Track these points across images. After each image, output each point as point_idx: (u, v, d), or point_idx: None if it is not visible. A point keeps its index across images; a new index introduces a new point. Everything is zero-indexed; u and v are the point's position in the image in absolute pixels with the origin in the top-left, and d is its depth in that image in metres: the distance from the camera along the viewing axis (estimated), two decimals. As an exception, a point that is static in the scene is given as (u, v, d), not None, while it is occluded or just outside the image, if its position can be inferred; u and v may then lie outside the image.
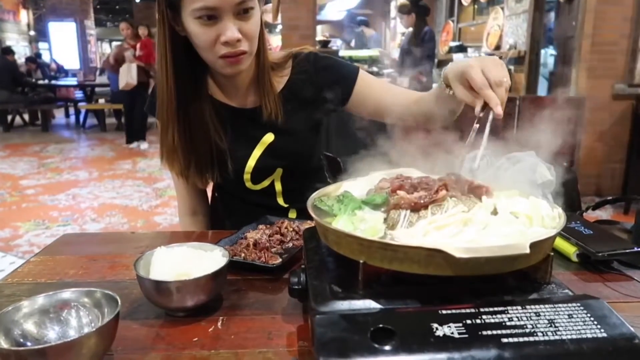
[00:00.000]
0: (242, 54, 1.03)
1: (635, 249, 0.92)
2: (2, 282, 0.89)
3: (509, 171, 1.45)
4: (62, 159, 6.35)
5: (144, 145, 6.99)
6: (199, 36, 1.01)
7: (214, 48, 1.02)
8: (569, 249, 0.95)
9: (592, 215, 1.26)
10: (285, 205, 1.28)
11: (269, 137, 1.20)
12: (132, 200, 4.45)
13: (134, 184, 5.01)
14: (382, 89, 1.22)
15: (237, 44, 1.01)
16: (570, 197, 1.56)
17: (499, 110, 0.78)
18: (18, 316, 0.64)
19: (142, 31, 6.94)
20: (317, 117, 1.24)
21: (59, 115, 10.32)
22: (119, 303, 0.65)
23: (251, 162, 1.20)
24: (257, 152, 1.20)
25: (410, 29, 5.30)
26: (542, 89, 5.71)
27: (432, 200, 0.68)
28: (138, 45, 6.60)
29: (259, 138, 1.20)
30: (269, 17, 5.18)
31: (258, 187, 1.24)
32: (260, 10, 1.07)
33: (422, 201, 0.68)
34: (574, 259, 0.94)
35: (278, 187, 1.25)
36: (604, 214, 3.60)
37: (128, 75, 6.44)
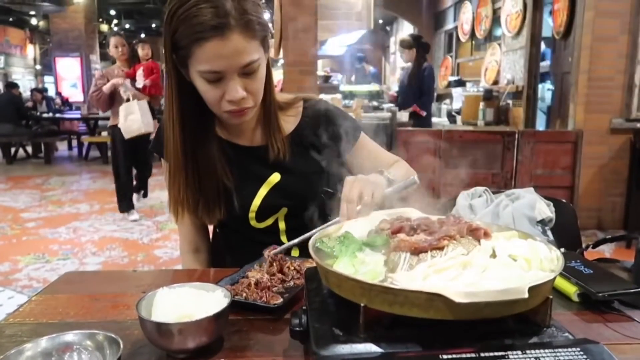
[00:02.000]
0: (247, 109, 1.07)
1: (636, 289, 0.93)
2: (3, 323, 0.89)
3: (508, 208, 1.46)
4: (64, 191, 6.37)
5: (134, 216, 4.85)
6: (205, 93, 1.04)
7: (220, 104, 1.05)
8: (570, 289, 0.95)
9: (593, 252, 1.26)
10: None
11: (275, 177, 1.22)
12: (132, 234, 4.45)
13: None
14: (375, 157, 1.27)
15: (242, 102, 1.04)
16: (570, 234, 1.56)
17: (342, 220, 0.94)
18: (21, 359, 0.65)
19: (145, 51, 4.91)
20: (322, 161, 1.28)
21: (62, 148, 10.41)
22: (121, 346, 0.65)
23: (257, 201, 1.22)
24: (263, 191, 1.22)
25: (410, 64, 5.40)
26: (540, 123, 5.78)
27: (433, 247, 0.69)
28: (140, 72, 4.58)
29: (265, 177, 1.22)
30: (270, 53, 5.29)
31: (262, 225, 1.25)
32: (267, 54, 1.09)
33: (422, 245, 0.69)
34: (575, 298, 0.94)
35: (282, 225, 1.27)
36: (606, 248, 3.59)
37: (142, 120, 4.23)
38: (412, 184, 1.03)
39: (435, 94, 7.44)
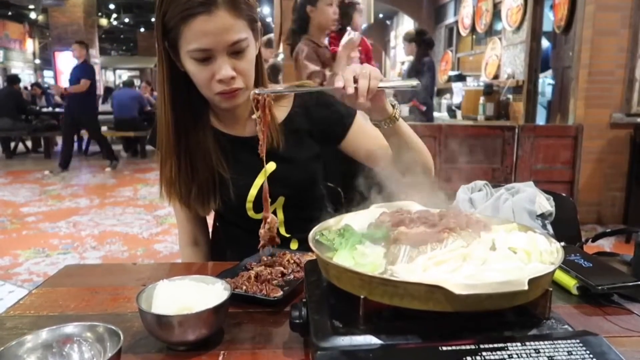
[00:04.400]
0: (238, 90, 1.07)
1: (635, 282, 0.93)
2: (4, 315, 0.89)
3: (508, 202, 1.46)
4: (63, 186, 6.37)
5: None
6: (195, 75, 1.06)
7: (210, 85, 1.06)
8: (569, 282, 0.95)
9: (592, 246, 1.27)
10: (287, 235, 1.28)
11: (270, 166, 1.22)
12: (132, 228, 4.45)
13: (135, 212, 5.02)
14: (376, 137, 1.24)
15: (232, 82, 1.05)
16: (570, 227, 1.56)
17: (337, 84, 0.93)
18: (21, 351, 0.65)
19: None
20: (316, 149, 1.27)
21: (61, 142, 10.40)
22: (121, 338, 0.66)
23: (253, 191, 1.22)
24: (259, 181, 1.22)
25: (412, 58, 5.40)
26: (540, 118, 5.77)
27: (433, 239, 0.69)
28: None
29: (260, 167, 1.22)
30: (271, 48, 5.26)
31: (260, 216, 1.25)
32: (257, 43, 1.11)
33: (422, 237, 0.69)
34: (574, 292, 0.94)
35: (280, 216, 1.27)
36: (606, 243, 3.59)
37: None
38: (413, 84, 1.00)
39: (435, 89, 7.41)
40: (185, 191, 1.19)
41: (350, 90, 0.92)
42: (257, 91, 0.97)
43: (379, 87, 0.95)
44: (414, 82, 0.98)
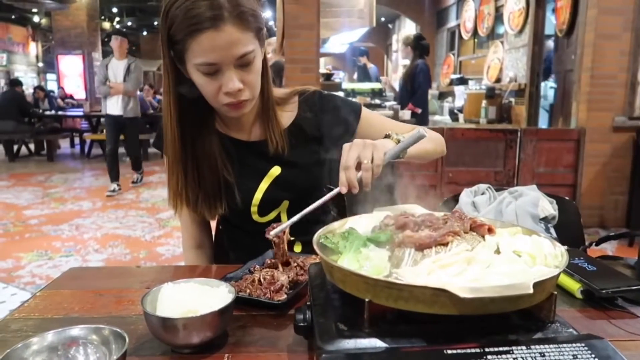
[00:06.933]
0: (245, 102, 1.08)
1: (639, 286, 0.93)
2: (9, 317, 0.89)
3: (511, 205, 1.46)
4: (66, 188, 6.38)
5: None
6: (202, 87, 1.06)
7: (217, 97, 1.06)
8: (573, 286, 0.95)
9: (596, 249, 1.26)
10: (291, 238, 1.28)
11: (275, 170, 1.22)
12: (135, 231, 4.46)
13: (137, 214, 5.03)
14: (383, 128, 1.24)
15: (239, 94, 1.05)
16: (573, 231, 1.56)
17: (342, 189, 0.89)
18: (27, 354, 0.65)
19: None
20: (322, 152, 1.27)
21: (64, 145, 10.42)
22: (127, 340, 0.66)
23: (258, 195, 1.22)
24: (264, 185, 1.23)
25: (408, 61, 5.43)
26: (542, 121, 5.77)
27: (438, 243, 0.69)
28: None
29: (265, 171, 1.23)
30: (273, 52, 5.27)
31: (264, 219, 1.26)
32: (263, 49, 1.10)
33: (427, 241, 0.69)
34: (579, 295, 0.94)
35: (284, 219, 1.27)
36: (609, 246, 3.58)
37: None
38: (417, 138, 0.94)
39: (437, 92, 7.41)
40: (193, 198, 1.19)
41: (355, 190, 0.88)
42: (273, 233, 0.96)
43: (385, 162, 0.91)
44: (419, 133, 0.93)
